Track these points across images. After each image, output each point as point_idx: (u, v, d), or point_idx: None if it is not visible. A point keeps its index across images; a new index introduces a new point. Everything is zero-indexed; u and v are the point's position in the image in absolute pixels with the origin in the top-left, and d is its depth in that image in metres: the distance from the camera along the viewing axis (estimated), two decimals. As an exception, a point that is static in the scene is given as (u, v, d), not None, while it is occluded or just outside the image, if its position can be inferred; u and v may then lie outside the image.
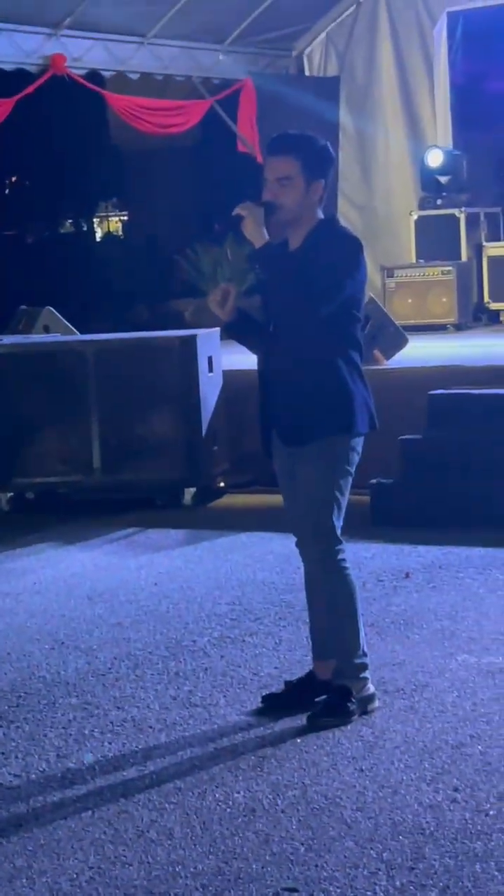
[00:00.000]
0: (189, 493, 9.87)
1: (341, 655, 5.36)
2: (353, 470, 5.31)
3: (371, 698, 5.35)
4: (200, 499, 9.93)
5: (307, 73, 16.07)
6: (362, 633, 5.38)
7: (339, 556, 5.32)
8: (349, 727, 5.16)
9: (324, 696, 5.33)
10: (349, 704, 5.25)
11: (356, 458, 5.31)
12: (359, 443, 5.31)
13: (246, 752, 4.99)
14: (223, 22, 14.51)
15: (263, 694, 5.53)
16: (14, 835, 4.39)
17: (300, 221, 5.26)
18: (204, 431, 9.80)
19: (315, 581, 5.44)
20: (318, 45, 16.03)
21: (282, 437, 5.35)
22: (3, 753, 5.14)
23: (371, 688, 5.37)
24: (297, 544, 5.44)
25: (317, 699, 5.34)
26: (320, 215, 5.30)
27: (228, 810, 4.47)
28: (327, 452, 5.22)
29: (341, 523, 5.31)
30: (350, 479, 5.32)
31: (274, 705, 5.41)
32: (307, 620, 5.62)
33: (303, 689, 5.44)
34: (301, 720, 5.22)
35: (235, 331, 5.44)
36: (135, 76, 14.15)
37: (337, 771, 4.76)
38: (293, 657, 6.05)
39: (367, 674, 5.37)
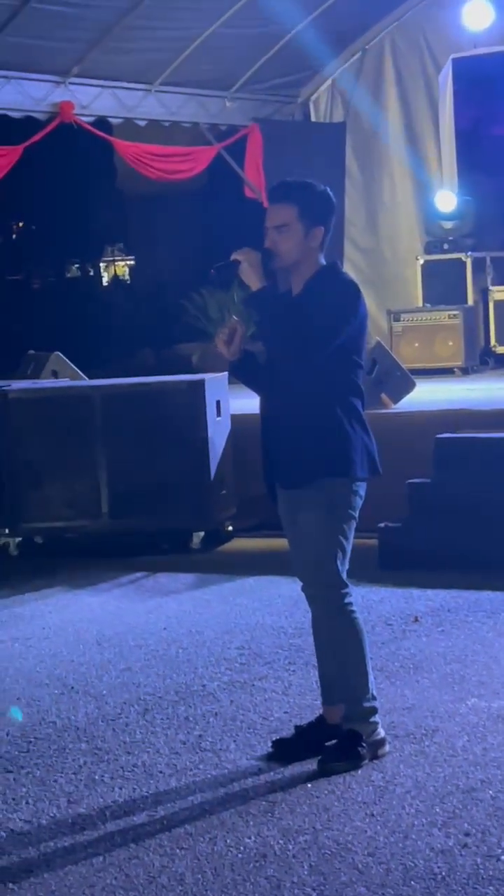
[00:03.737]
0: (197, 537, 9.88)
1: (350, 700, 5.35)
2: (355, 514, 5.31)
3: (381, 742, 5.34)
4: (208, 543, 9.94)
5: (313, 118, 16.19)
6: (371, 677, 5.38)
7: (346, 600, 5.32)
8: (359, 772, 5.15)
9: (334, 741, 5.33)
10: (359, 749, 5.24)
11: (359, 502, 5.31)
12: (361, 487, 5.31)
13: (256, 797, 4.98)
14: (230, 69, 14.63)
15: (273, 739, 5.52)
16: (24, 880, 4.38)
17: (301, 267, 5.29)
18: (212, 475, 9.82)
19: (322, 626, 5.44)
20: (324, 92, 16.15)
21: (280, 480, 5.37)
22: (13, 799, 5.13)
23: (381, 732, 5.36)
24: (303, 589, 5.45)
25: (327, 744, 5.34)
26: (322, 261, 5.33)
27: (239, 856, 4.46)
28: (327, 497, 5.23)
29: (346, 567, 5.32)
30: (353, 523, 5.32)
31: (284, 750, 5.39)
32: (316, 664, 5.61)
33: (313, 734, 5.43)
34: (311, 765, 5.21)
35: (241, 371, 5.46)
36: (142, 123, 14.26)
37: (348, 816, 4.75)
38: (303, 702, 6.04)
39: (376, 718, 5.36)
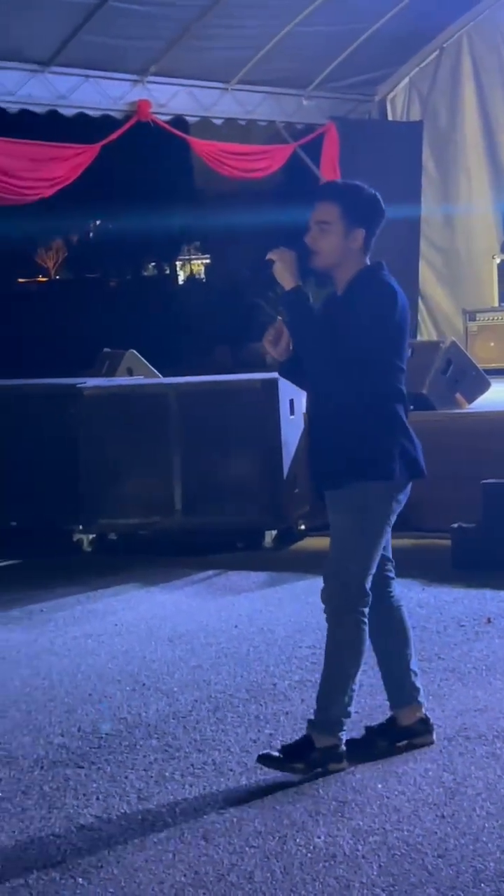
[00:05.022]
0: (270, 535, 9.88)
1: (321, 705, 5.24)
2: (388, 519, 5.22)
3: (339, 757, 5.19)
4: (281, 541, 9.93)
5: (390, 117, 16.13)
6: (351, 693, 5.23)
7: (360, 608, 5.19)
8: (430, 773, 5.13)
9: (405, 742, 5.31)
10: (306, 756, 5.14)
11: (396, 507, 5.23)
12: (400, 492, 5.22)
13: (326, 797, 4.97)
14: (306, 67, 14.61)
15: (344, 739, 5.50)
16: (95, 876, 4.40)
17: (341, 269, 5.24)
18: (285, 474, 9.81)
19: (375, 630, 5.36)
20: (402, 90, 16.09)
21: (317, 481, 5.34)
22: (84, 795, 5.16)
23: (341, 748, 5.20)
24: (321, 593, 5.32)
25: (398, 744, 5.32)
26: (366, 262, 5.28)
27: (309, 855, 4.46)
28: (359, 500, 5.16)
29: (372, 571, 5.22)
30: (386, 528, 5.23)
31: (354, 751, 5.37)
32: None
33: (383, 735, 5.40)
34: (382, 766, 5.20)
35: (289, 371, 5.45)
36: (219, 121, 14.29)
37: (418, 817, 4.73)
38: (373, 702, 6.00)
39: (342, 734, 5.21)
